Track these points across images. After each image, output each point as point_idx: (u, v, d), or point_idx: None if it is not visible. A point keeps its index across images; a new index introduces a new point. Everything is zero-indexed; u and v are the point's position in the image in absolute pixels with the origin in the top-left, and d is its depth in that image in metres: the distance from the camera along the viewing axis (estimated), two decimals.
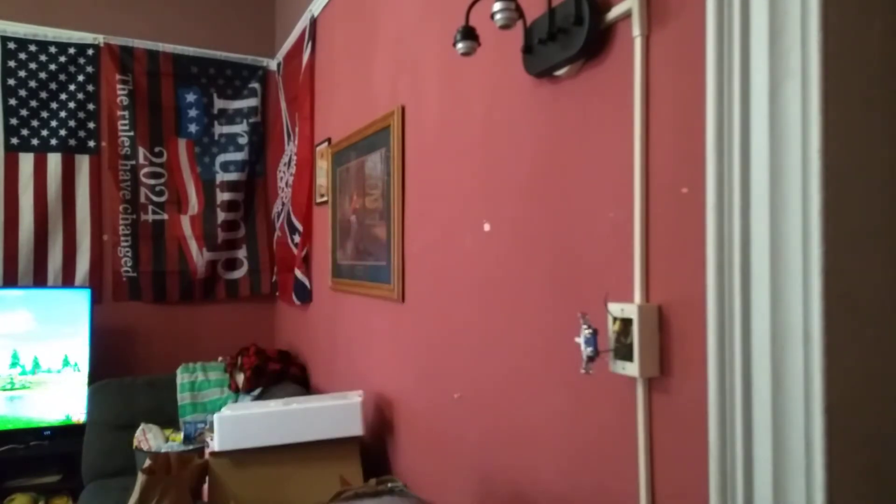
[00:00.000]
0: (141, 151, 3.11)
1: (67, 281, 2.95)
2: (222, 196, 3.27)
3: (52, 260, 2.94)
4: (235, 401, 2.59)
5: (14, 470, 2.55)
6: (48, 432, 2.66)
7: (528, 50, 1.18)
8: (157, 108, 3.15)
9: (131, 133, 3.09)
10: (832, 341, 0.73)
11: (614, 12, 1.02)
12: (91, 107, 3.03)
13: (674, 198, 0.93)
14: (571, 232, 1.13)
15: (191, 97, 3.23)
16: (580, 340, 1.00)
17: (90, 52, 3.01)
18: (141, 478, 1.51)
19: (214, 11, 3.32)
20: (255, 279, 3.38)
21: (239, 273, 3.36)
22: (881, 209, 0.79)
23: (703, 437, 0.86)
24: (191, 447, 2.19)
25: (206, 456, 1.73)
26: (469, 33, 1.16)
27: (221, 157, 3.30)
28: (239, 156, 3.32)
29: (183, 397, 2.61)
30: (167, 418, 2.52)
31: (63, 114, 2.97)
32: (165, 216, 3.18)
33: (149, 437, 2.31)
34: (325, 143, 2.55)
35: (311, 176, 2.73)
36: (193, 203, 3.25)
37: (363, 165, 2.11)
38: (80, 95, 3.00)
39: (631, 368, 0.95)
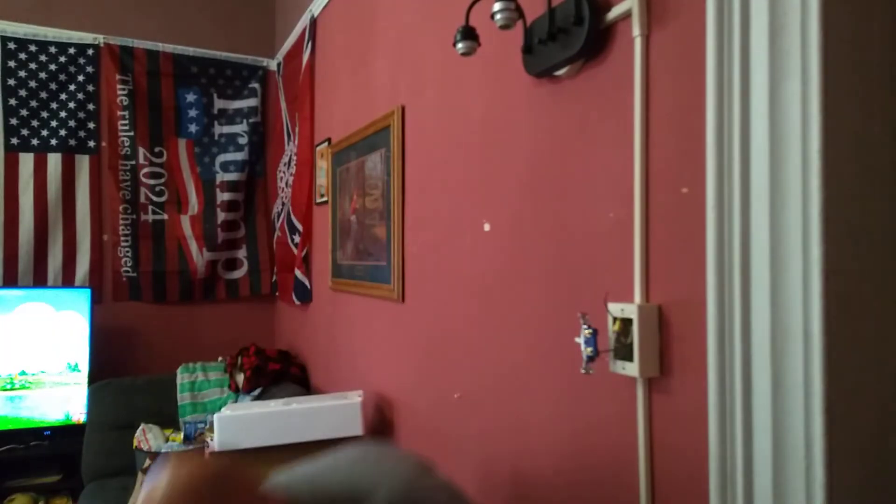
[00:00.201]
0: (141, 151, 3.11)
1: (67, 281, 2.95)
2: (222, 196, 3.27)
3: (52, 260, 2.94)
4: (235, 401, 2.58)
5: (14, 470, 2.55)
6: (48, 432, 2.66)
7: (528, 50, 1.18)
8: (157, 108, 3.15)
9: (131, 133, 3.09)
10: (832, 341, 0.73)
11: (614, 12, 1.02)
12: (91, 107, 3.03)
13: (674, 198, 0.93)
14: (571, 232, 1.13)
15: (191, 97, 3.23)
16: (580, 340, 1.00)
17: (90, 52, 3.01)
18: (141, 478, 1.51)
19: (214, 11, 3.32)
20: (255, 279, 3.38)
21: (239, 273, 3.36)
22: (881, 209, 0.79)
23: (703, 437, 0.86)
24: (191, 447, 2.19)
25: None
26: (469, 33, 1.16)
27: (221, 157, 3.30)
28: (239, 156, 3.32)
29: (183, 397, 2.61)
30: (167, 418, 2.52)
31: (63, 114, 2.97)
32: (165, 216, 3.18)
33: (149, 437, 2.31)
34: (325, 143, 2.55)
35: (311, 176, 2.73)
36: (193, 203, 3.25)
37: (363, 165, 2.11)
38: (80, 95, 3.00)
39: (631, 368, 0.95)
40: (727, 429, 0.82)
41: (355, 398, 1.81)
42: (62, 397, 2.69)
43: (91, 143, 3.03)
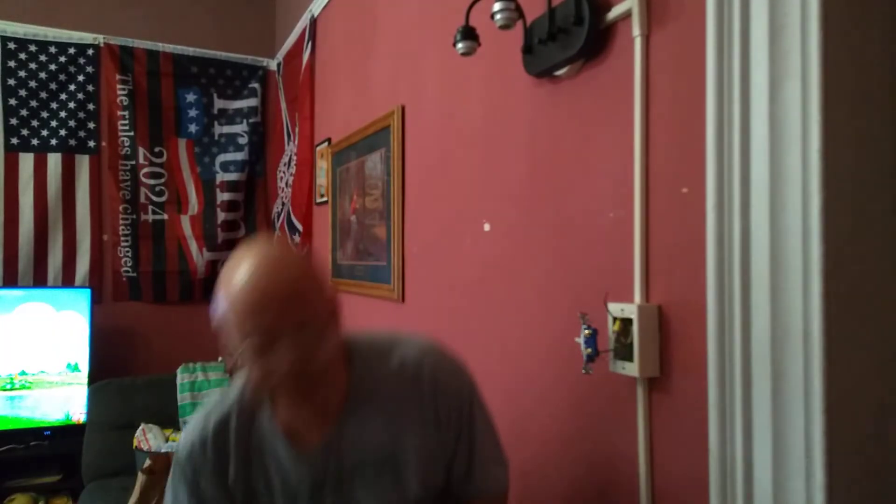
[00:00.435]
0: (141, 151, 3.11)
1: (67, 281, 2.95)
2: (222, 196, 3.27)
3: (52, 260, 2.94)
4: None
5: (14, 470, 2.55)
6: (48, 432, 2.66)
7: (528, 50, 1.18)
8: (157, 108, 3.15)
9: (131, 133, 3.09)
10: (832, 341, 0.73)
11: (614, 12, 1.02)
12: (91, 107, 3.02)
13: (674, 198, 0.93)
14: (571, 232, 1.13)
15: (191, 97, 3.23)
16: (580, 340, 1.00)
17: (90, 52, 3.01)
18: (141, 478, 1.51)
19: (214, 11, 3.32)
20: None
21: None
22: (881, 209, 0.79)
23: (703, 437, 0.86)
24: None
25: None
26: (469, 33, 1.16)
27: (221, 157, 3.30)
28: (239, 156, 3.32)
29: (183, 397, 2.61)
30: (167, 418, 2.52)
31: (63, 114, 2.96)
32: (165, 216, 3.18)
33: (149, 437, 2.30)
34: (325, 143, 2.55)
35: (311, 176, 2.73)
36: (193, 203, 3.25)
37: (363, 165, 2.11)
38: (80, 95, 3.00)
39: (631, 368, 0.95)
40: (727, 429, 0.82)
41: None
42: (62, 397, 2.69)
43: (91, 143, 3.03)
